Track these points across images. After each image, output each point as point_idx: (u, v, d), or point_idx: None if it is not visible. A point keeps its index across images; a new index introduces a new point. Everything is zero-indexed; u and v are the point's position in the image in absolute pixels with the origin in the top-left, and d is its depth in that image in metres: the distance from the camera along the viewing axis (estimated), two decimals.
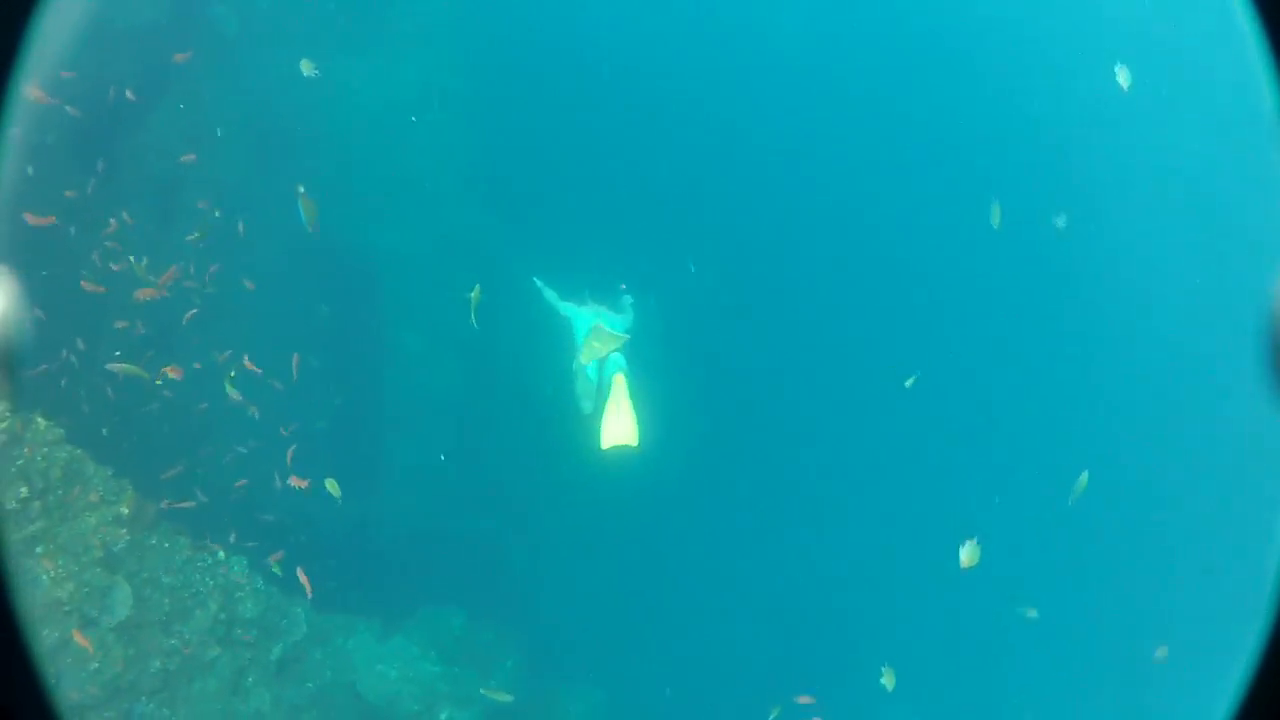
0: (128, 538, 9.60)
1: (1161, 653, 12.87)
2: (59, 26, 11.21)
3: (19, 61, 1.31)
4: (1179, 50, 16.30)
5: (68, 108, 10.42)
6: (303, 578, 9.73)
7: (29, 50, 1.32)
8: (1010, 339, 16.24)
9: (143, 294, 9.56)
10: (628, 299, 12.54)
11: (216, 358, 11.72)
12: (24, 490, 8.83)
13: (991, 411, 16.25)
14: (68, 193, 10.27)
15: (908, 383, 12.85)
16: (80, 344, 10.03)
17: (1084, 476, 12.62)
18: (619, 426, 11.30)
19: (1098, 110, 16.18)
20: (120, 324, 10.94)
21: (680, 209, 15.49)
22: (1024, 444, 16.17)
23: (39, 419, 9.11)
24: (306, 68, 10.44)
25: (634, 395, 11.46)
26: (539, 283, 12.45)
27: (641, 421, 12.04)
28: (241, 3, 12.59)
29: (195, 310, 11.70)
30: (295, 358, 11.41)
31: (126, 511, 9.60)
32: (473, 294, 9.39)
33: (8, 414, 8.77)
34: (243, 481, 11.43)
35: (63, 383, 9.79)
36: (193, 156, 11.51)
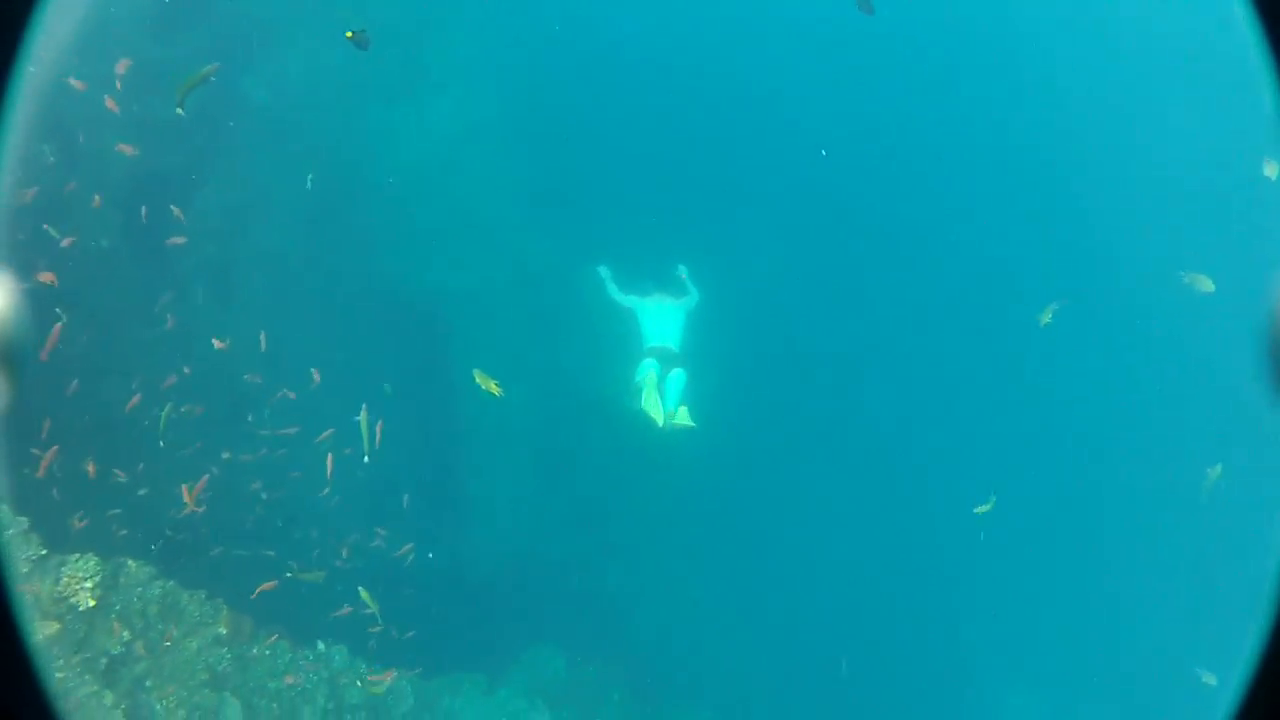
0: (229, 655, 9.88)
1: (1209, 678, 12.77)
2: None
3: (19, 62, 1.34)
4: (1178, 49, 15.83)
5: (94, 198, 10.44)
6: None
7: (29, 51, 1.34)
8: (1011, 340, 15.88)
9: (188, 498, 9.59)
10: (687, 282, 12.40)
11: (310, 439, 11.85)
12: (125, 634, 9.12)
13: (991, 412, 16.15)
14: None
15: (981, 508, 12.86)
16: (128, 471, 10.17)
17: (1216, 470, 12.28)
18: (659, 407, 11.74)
19: (1096, 110, 16.03)
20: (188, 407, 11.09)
21: (735, 196, 15.12)
22: (1023, 444, 16.19)
23: (129, 561, 9.33)
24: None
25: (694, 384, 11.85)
26: (603, 273, 12.30)
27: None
28: (270, 73, 12.27)
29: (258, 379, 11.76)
30: (378, 425, 11.37)
31: (225, 630, 9.87)
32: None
33: (100, 567, 9.00)
34: (344, 555, 11.69)
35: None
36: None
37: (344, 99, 12.68)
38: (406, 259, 13.21)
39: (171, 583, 9.60)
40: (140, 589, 9.34)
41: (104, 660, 8.96)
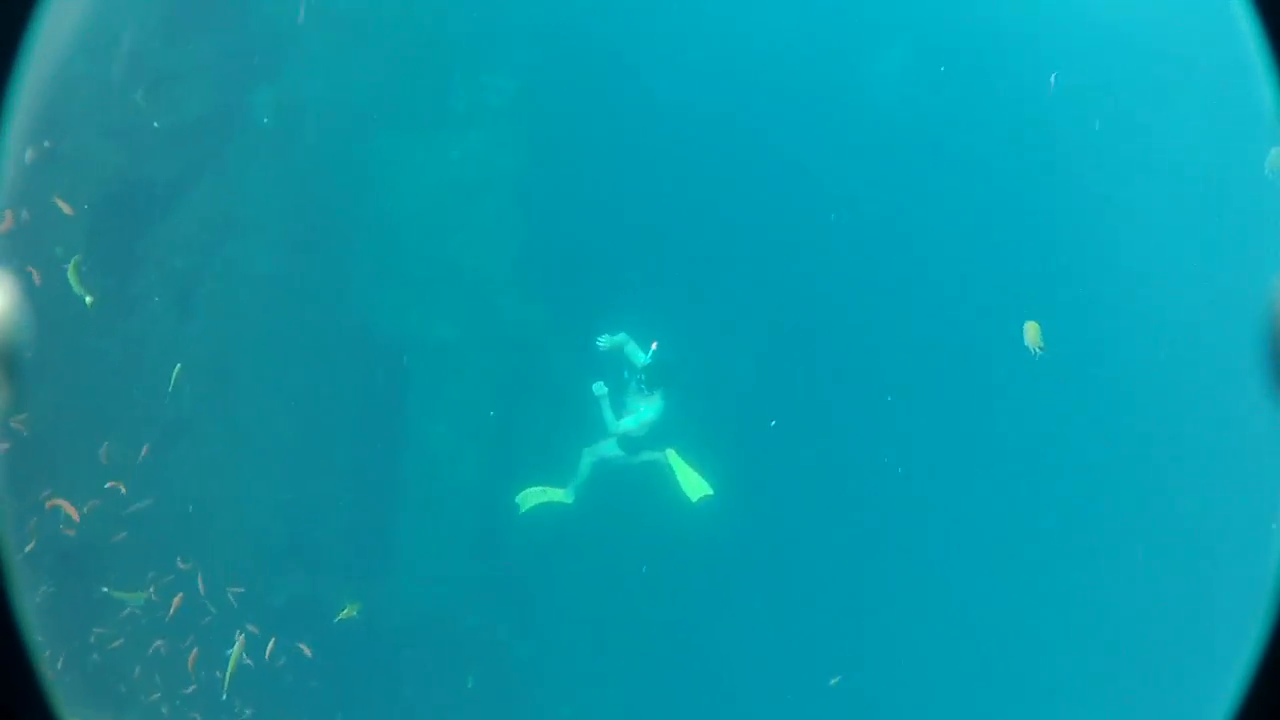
0: None
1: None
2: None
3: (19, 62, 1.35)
4: (1178, 48, 15.08)
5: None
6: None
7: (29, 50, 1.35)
8: (1010, 339, 15.70)
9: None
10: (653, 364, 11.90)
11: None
12: None
13: (989, 411, 15.55)
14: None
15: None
16: None
17: None
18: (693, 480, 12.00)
19: (1095, 109, 15.33)
20: None
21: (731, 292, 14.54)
22: (1021, 443, 15.67)
23: None
24: None
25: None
26: (598, 390, 11.73)
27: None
28: (280, 89, 11.47)
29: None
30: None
31: None
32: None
33: None
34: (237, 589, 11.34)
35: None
36: None
37: (353, 128, 11.95)
38: (383, 299, 12.66)
39: None
40: None
41: None
